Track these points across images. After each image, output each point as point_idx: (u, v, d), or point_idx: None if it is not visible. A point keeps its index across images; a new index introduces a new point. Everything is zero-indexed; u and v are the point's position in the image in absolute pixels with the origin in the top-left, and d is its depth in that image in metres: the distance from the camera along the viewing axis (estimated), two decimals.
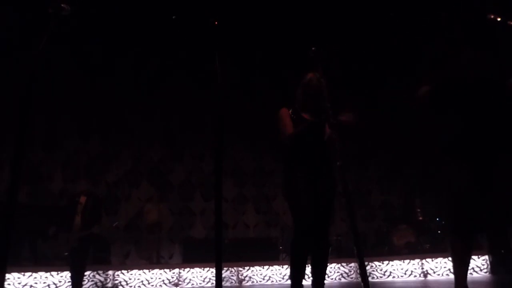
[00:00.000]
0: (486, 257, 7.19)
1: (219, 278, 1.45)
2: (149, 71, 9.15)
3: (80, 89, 8.80)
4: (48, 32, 1.75)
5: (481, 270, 7.13)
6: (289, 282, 2.90)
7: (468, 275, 6.85)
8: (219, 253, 1.48)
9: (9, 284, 6.09)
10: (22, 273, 6.21)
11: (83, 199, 5.81)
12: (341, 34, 7.73)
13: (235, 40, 7.11)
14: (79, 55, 8.48)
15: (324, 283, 2.85)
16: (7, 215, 1.45)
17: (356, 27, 7.84)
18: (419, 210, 8.19)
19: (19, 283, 6.14)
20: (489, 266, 7.12)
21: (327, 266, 2.95)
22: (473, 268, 7.14)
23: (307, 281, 2.91)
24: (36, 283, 6.24)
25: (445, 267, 7.19)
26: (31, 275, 6.24)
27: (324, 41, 2.74)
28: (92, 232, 5.63)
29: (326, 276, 7.37)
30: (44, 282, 6.28)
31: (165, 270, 7.09)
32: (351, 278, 7.27)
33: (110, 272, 6.83)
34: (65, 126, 9.22)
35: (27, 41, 6.62)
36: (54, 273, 5.97)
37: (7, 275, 6.09)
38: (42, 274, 6.30)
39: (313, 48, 2.36)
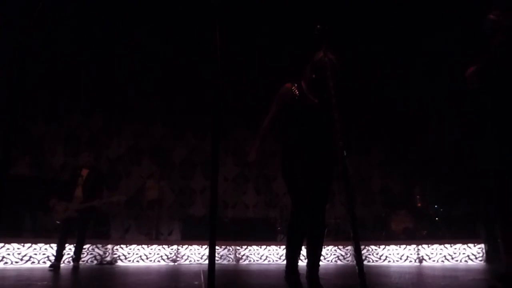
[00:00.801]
0: (482, 245, 7.23)
1: (212, 256, 1.45)
2: (153, 50, 9.06)
3: (83, 66, 8.76)
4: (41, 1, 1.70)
5: (476, 258, 7.18)
6: (285, 262, 2.91)
7: (463, 263, 6.91)
8: (213, 231, 1.48)
9: (8, 255, 6.17)
10: (22, 244, 6.28)
11: (84, 172, 5.82)
12: (347, 13, 7.58)
13: (237, 18, 7.00)
14: (83, 33, 8.38)
15: (319, 265, 2.86)
16: None
17: (363, 6, 7.67)
18: (418, 196, 8.21)
19: (18, 254, 6.22)
20: (484, 255, 7.17)
21: (322, 247, 2.96)
22: (468, 256, 7.20)
23: (303, 262, 2.92)
24: (35, 254, 6.33)
25: (440, 254, 7.25)
26: (30, 246, 6.32)
27: (329, 20, 2.67)
28: (94, 206, 5.65)
29: (322, 257, 7.51)
30: (44, 254, 6.36)
31: (164, 246, 7.17)
32: (347, 260, 7.34)
33: (109, 246, 6.92)
34: (67, 101, 9.21)
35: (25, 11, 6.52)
36: (53, 244, 6.04)
37: (7, 246, 6.17)
38: (41, 245, 6.38)
39: (318, 26, 2.31)
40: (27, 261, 6.24)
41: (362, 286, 1.63)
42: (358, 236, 1.72)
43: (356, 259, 1.69)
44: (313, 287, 2.76)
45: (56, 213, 5.54)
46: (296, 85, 3.02)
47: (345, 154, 1.86)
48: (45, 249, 6.38)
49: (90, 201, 5.62)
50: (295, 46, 7.43)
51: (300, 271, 2.84)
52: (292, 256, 2.87)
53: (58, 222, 5.65)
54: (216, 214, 1.53)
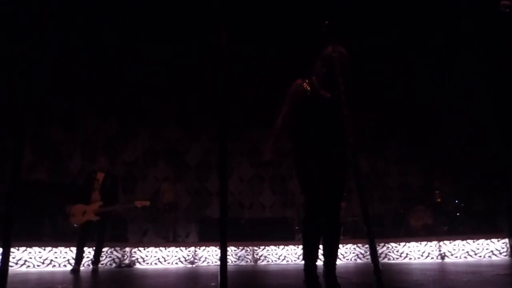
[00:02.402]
0: (506, 240, 7.04)
1: (224, 256, 1.43)
2: (166, 53, 9.12)
3: (97, 72, 8.88)
4: (49, 6, 1.71)
5: (500, 253, 7.00)
6: (303, 262, 2.86)
7: (487, 258, 6.76)
8: (224, 233, 1.46)
9: (30, 258, 6.29)
10: (43, 248, 6.39)
11: (100, 175, 5.88)
12: (358, 6, 7.47)
13: (247, 18, 6.98)
14: (96, 38, 8.50)
15: (335, 264, 2.81)
16: (10, 193, 1.44)
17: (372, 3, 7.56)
18: (437, 191, 8.04)
19: (40, 257, 6.34)
20: (509, 249, 6.98)
21: (338, 246, 2.91)
22: (492, 251, 7.02)
23: (320, 261, 2.88)
24: (56, 257, 6.43)
25: (463, 250, 7.09)
26: (51, 250, 6.43)
27: (338, 15, 2.63)
28: (111, 211, 5.70)
29: (342, 256, 7.42)
30: (64, 257, 6.46)
31: (181, 248, 7.20)
32: (367, 259, 7.23)
33: (127, 249, 6.98)
34: (83, 107, 9.34)
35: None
36: (73, 248, 6.11)
37: (29, 249, 6.29)
38: (62, 249, 6.48)
39: (326, 22, 2.27)
40: (48, 264, 6.36)
41: (378, 283, 1.59)
42: (372, 232, 1.68)
43: (371, 256, 1.65)
44: (331, 286, 2.72)
45: (74, 216, 5.61)
46: (307, 80, 2.98)
47: (356, 150, 1.82)
48: (65, 252, 6.48)
49: (110, 205, 5.68)
50: (305, 43, 7.37)
51: (318, 270, 2.80)
52: (309, 257, 2.82)
53: (76, 225, 5.71)
54: (226, 214, 1.51)
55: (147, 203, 6.11)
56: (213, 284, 3.60)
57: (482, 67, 7.90)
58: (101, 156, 6.20)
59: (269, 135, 3.05)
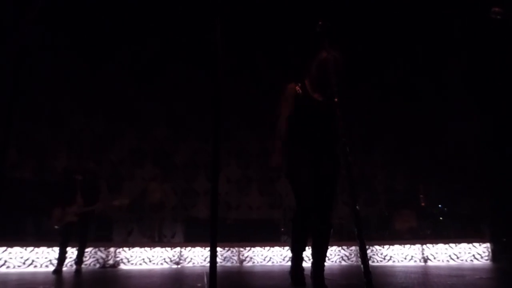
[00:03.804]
0: (488, 244, 7.17)
1: (213, 258, 1.42)
2: (153, 53, 9.04)
3: (85, 70, 8.76)
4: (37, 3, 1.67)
5: (482, 257, 7.12)
6: (289, 263, 2.88)
7: (469, 262, 6.86)
8: (214, 233, 1.45)
9: (10, 258, 6.15)
10: (24, 248, 6.26)
11: (79, 176, 5.76)
12: (350, 11, 7.52)
13: (238, 18, 6.96)
14: (84, 36, 8.38)
15: (324, 265, 2.83)
16: None
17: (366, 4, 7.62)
18: (422, 196, 8.15)
19: (21, 257, 6.20)
20: (490, 254, 7.10)
21: (327, 248, 2.92)
22: (473, 256, 7.14)
23: (308, 263, 2.89)
24: (38, 258, 6.30)
25: (445, 253, 7.19)
26: (33, 250, 6.30)
27: (332, 18, 2.63)
28: (93, 210, 5.62)
29: (327, 258, 7.43)
30: (46, 257, 6.34)
31: (167, 248, 7.14)
32: (352, 261, 7.28)
33: (112, 249, 6.88)
34: (70, 105, 9.19)
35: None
36: (56, 248, 5.99)
37: (9, 249, 6.15)
38: (44, 249, 6.35)
39: (320, 23, 2.27)
40: (29, 265, 6.22)
41: (368, 285, 1.59)
42: (362, 234, 1.68)
43: (361, 258, 1.65)
44: (318, 287, 2.73)
45: (54, 219, 5.52)
46: (299, 84, 2.99)
47: (348, 151, 1.83)
48: (48, 252, 6.36)
49: (90, 205, 5.58)
50: (297, 45, 7.39)
51: (306, 271, 2.81)
52: (296, 256, 2.86)
53: (56, 227, 5.61)
54: (217, 216, 1.50)
55: (127, 201, 6.06)
56: (199, 285, 3.57)
57: (470, 73, 8.05)
58: (81, 156, 6.11)
59: (275, 138, 2.99)
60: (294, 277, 2.83)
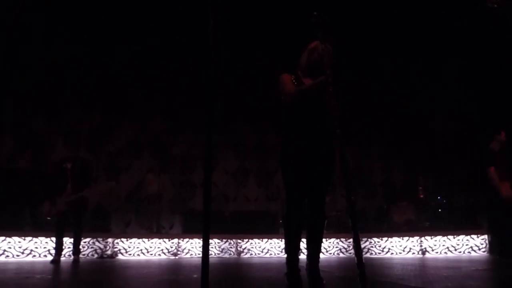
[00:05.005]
0: (485, 236, 7.19)
1: (206, 249, 1.41)
2: (152, 46, 8.98)
3: (83, 62, 8.73)
4: None
5: (479, 249, 7.14)
6: (285, 256, 2.84)
7: (467, 254, 6.87)
8: (207, 225, 1.44)
9: (9, 248, 6.17)
10: (23, 238, 6.27)
11: (68, 164, 5.74)
12: (348, 4, 7.46)
13: (234, 11, 6.90)
14: (83, 29, 8.33)
15: (319, 257, 2.81)
16: None
17: None
18: (420, 188, 8.15)
19: (19, 247, 6.22)
20: (488, 246, 7.12)
21: (322, 239, 2.91)
22: (471, 247, 7.16)
23: (303, 255, 2.88)
24: (36, 247, 6.32)
25: (443, 245, 7.21)
26: (31, 240, 6.31)
27: (328, 9, 2.60)
28: (83, 196, 5.60)
29: (325, 250, 7.47)
30: (44, 247, 6.36)
31: (165, 239, 7.15)
32: (350, 253, 7.30)
33: (110, 240, 6.90)
34: (67, 97, 9.15)
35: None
36: (54, 238, 6.00)
37: (8, 239, 6.16)
38: (42, 239, 6.37)
39: (315, 13, 2.24)
40: (28, 254, 6.25)
41: (362, 276, 1.58)
42: (357, 225, 1.67)
43: (355, 249, 1.64)
44: (313, 280, 2.72)
45: (45, 209, 5.52)
46: (293, 76, 2.97)
47: (342, 142, 1.81)
48: (46, 242, 6.38)
49: (79, 191, 5.56)
50: (293, 38, 7.33)
51: (301, 264, 2.79)
52: (290, 250, 2.80)
53: (48, 218, 5.61)
54: (210, 209, 1.49)
55: (112, 183, 6.08)
56: (195, 276, 3.58)
57: (467, 67, 8.02)
58: (78, 148, 6.11)
59: (299, 90, 2.82)
60: (291, 282, 2.71)
